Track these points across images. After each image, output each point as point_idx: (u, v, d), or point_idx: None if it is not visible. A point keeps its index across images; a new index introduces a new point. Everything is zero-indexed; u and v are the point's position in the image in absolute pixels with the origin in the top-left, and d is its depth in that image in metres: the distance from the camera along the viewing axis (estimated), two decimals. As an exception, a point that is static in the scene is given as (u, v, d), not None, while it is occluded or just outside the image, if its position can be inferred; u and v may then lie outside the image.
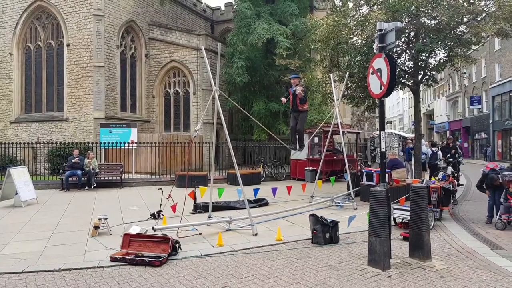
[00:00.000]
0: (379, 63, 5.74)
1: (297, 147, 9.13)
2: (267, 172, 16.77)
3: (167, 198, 7.17)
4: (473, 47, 12.55)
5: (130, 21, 20.78)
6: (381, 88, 5.71)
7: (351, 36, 12.54)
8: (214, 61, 21.73)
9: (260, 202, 10.36)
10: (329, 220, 6.64)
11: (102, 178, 14.41)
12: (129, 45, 21.23)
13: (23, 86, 21.15)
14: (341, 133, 10.77)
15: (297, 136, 9.04)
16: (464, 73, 35.44)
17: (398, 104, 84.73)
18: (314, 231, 6.58)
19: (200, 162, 18.63)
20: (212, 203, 9.30)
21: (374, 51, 6.19)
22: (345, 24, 11.74)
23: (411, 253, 5.79)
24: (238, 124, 23.42)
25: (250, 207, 9.92)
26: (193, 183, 9.40)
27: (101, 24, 18.77)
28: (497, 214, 8.17)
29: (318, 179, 10.96)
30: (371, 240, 5.39)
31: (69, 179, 13.66)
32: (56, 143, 16.59)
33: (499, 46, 31.94)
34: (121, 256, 5.68)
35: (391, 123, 64.19)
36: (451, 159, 13.20)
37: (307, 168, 15.72)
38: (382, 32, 5.80)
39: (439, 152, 15.36)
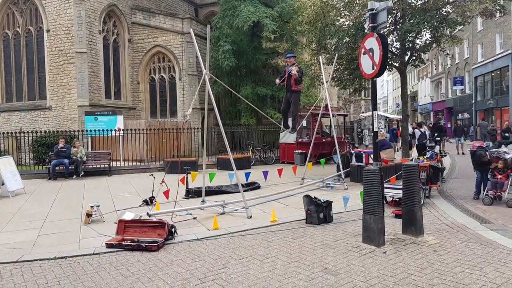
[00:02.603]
0: (371, 43, 5.74)
1: (289, 128, 9.13)
2: (256, 157, 16.81)
3: (161, 184, 7.12)
4: (458, 27, 12.66)
5: (111, 5, 20.19)
6: (373, 68, 5.73)
7: (338, 17, 12.50)
8: (199, 45, 21.37)
9: (252, 186, 10.41)
10: (322, 200, 6.72)
11: (90, 167, 14.23)
12: (112, 30, 20.68)
13: (3, 74, 20.48)
14: (331, 115, 10.81)
15: (289, 118, 9.04)
16: (447, 54, 35.79)
17: (382, 86, 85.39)
18: (308, 212, 6.65)
19: (189, 148, 18.54)
20: (204, 188, 9.32)
21: (366, 31, 6.18)
22: (332, 5, 11.67)
23: (404, 230, 5.92)
24: (225, 109, 23.27)
25: (243, 191, 10.02)
26: (184, 169, 9.33)
27: (82, 8, 18.21)
28: (484, 191, 8.39)
29: (308, 162, 11.03)
30: (365, 218, 5.48)
31: (56, 168, 13.44)
32: (40, 132, 16.23)
33: (481, 27, 32.31)
34: (117, 242, 5.65)
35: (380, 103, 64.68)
36: (438, 138, 13.45)
37: (296, 151, 15.80)
38: (374, 11, 5.79)
39: (427, 132, 15.64)
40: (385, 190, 7.69)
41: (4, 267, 5.04)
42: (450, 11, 12.15)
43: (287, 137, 17.04)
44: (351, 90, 14.71)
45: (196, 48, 7.68)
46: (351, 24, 12.34)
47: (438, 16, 10.93)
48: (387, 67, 13.38)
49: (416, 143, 15.33)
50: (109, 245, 5.63)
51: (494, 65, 30.94)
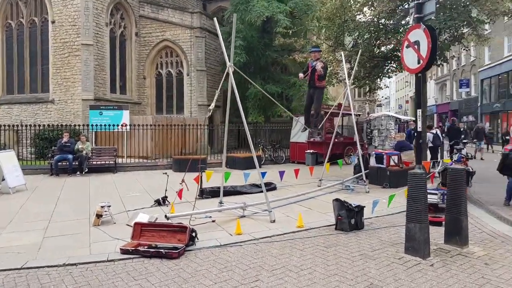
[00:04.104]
0: (417, 35, 5.24)
1: (312, 126, 8.62)
2: (266, 156, 16.28)
3: (181, 184, 6.60)
4: (482, 26, 12.15)
5: (119, -4, 19.65)
6: (419, 62, 5.22)
7: (358, 13, 12.01)
8: (209, 41, 20.87)
9: (268, 187, 9.86)
10: (354, 205, 6.21)
11: (94, 163, 13.64)
12: (119, 23, 20.06)
13: (4, 66, 19.84)
14: (353, 115, 10.30)
15: (310, 116, 8.53)
16: (453, 57, 35.13)
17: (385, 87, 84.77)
18: (339, 217, 6.13)
19: (195, 146, 18.01)
20: (218, 188, 8.80)
21: (410, 22, 5.68)
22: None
23: (447, 239, 5.42)
24: (232, 106, 22.69)
25: (258, 191, 9.50)
26: (198, 167, 8.79)
27: (89, -1, 17.65)
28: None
29: (319, 162, 10.50)
30: (409, 227, 4.97)
31: (59, 163, 12.88)
32: (42, 125, 15.66)
33: (489, 29, 31.85)
34: (133, 248, 5.13)
35: (381, 106, 64.25)
36: (465, 141, 12.91)
37: (308, 151, 15.27)
38: (420, 1, 5.30)
39: (439, 134, 15.09)
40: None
41: (7, 274, 4.51)
42: (475, 9, 11.62)
43: (298, 136, 16.54)
44: (366, 90, 14.18)
45: (221, 40, 7.19)
46: (370, 20, 11.85)
47: (466, 14, 10.39)
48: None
49: (430, 145, 14.80)
50: (124, 251, 5.10)
51: (502, 68, 30.51)
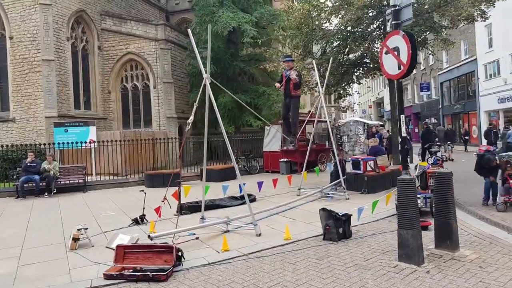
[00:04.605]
0: (396, 41, 5.30)
1: (289, 136, 8.57)
2: (240, 166, 16.08)
3: (163, 201, 6.31)
4: (444, 31, 12.63)
5: (80, 10, 18.96)
6: (399, 68, 5.27)
7: (325, 22, 12.19)
8: (174, 53, 20.57)
9: (249, 198, 9.66)
10: (341, 214, 6.15)
11: (63, 182, 12.96)
12: (80, 37, 19.38)
13: (-41, 84, 18.68)
14: (328, 123, 10.36)
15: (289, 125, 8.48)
16: (425, 56, 35.85)
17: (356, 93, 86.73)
18: (327, 227, 6.06)
19: (166, 160, 17.56)
20: (197, 202, 8.58)
21: (388, 28, 5.75)
22: (321, 8, 11.29)
23: (438, 244, 5.44)
24: (202, 118, 22.38)
25: (238, 204, 9.31)
26: (176, 182, 8.49)
27: (49, 14, 16.89)
28: (493, 196, 8.10)
29: (293, 170, 10.41)
30: (402, 234, 4.95)
31: (25, 185, 12.16)
32: (5, 146, 14.75)
33: (446, 35, 33.37)
34: (117, 273, 4.82)
35: (346, 111, 65.75)
36: (439, 143, 13.30)
37: (282, 159, 15.23)
38: (397, 8, 5.37)
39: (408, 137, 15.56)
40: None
41: (-21, 312, 4.10)
42: (437, 15, 12.08)
43: (271, 145, 16.49)
44: (336, 96, 14.39)
45: (196, 51, 7.03)
46: (337, 28, 12.04)
47: (430, 20, 10.76)
48: (377, 72, 13.16)
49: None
50: (108, 276, 4.78)
51: (460, 71, 31.93)
